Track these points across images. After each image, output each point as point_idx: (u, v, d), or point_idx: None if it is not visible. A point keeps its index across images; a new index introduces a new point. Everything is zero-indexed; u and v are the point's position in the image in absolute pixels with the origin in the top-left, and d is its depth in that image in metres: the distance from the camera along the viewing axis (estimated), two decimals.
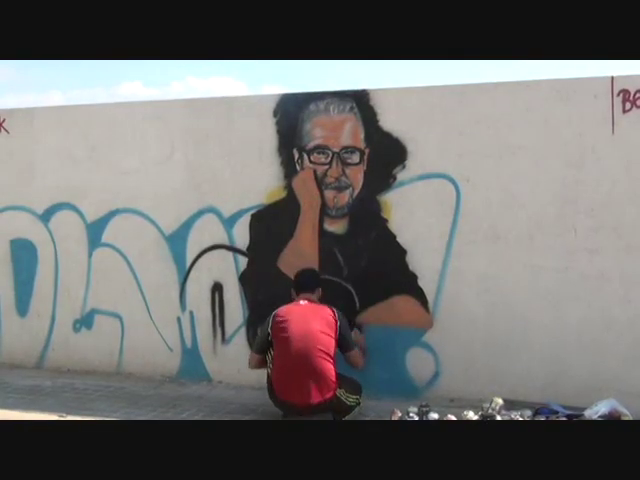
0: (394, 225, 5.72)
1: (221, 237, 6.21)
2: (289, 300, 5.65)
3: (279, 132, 5.98)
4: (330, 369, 5.02)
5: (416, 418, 4.86)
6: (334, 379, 5.03)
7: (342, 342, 5.16)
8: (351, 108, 5.78)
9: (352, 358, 5.26)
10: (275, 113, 5.99)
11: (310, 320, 5.12)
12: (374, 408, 5.33)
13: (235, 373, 6.17)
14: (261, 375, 6.09)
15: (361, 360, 5.35)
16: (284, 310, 5.23)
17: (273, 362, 5.18)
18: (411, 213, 5.69)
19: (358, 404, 5.17)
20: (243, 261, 6.16)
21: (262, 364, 5.35)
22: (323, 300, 5.44)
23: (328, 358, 5.03)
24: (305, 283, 5.45)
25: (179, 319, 6.37)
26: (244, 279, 6.17)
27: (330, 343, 5.08)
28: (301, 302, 5.30)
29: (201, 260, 6.28)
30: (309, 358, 5.00)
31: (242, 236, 6.15)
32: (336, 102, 5.81)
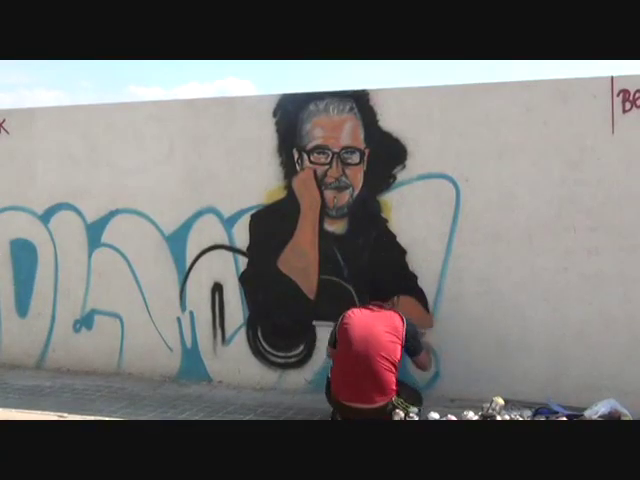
0: (394, 225, 5.73)
1: (221, 237, 6.21)
2: (289, 300, 5.68)
3: (279, 132, 5.98)
4: (391, 377, 4.90)
5: (416, 418, 4.86)
6: (394, 387, 4.91)
7: (410, 347, 5.08)
8: (351, 108, 5.78)
9: (419, 361, 5.25)
10: (275, 113, 5.99)
11: (374, 325, 5.02)
12: None
13: (235, 373, 6.18)
14: (261, 375, 6.12)
15: (428, 363, 5.35)
16: (352, 311, 5.20)
17: (334, 362, 5.15)
18: (411, 213, 5.69)
19: (418, 414, 4.97)
20: (243, 261, 6.16)
21: None
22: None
23: (390, 366, 4.91)
24: (376, 292, 5.54)
25: (179, 319, 6.37)
26: (244, 279, 6.17)
27: (394, 349, 4.95)
28: (371, 306, 5.25)
29: (201, 260, 6.28)
30: (370, 363, 4.88)
31: (242, 236, 6.15)
32: (336, 102, 5.81)
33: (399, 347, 4.98)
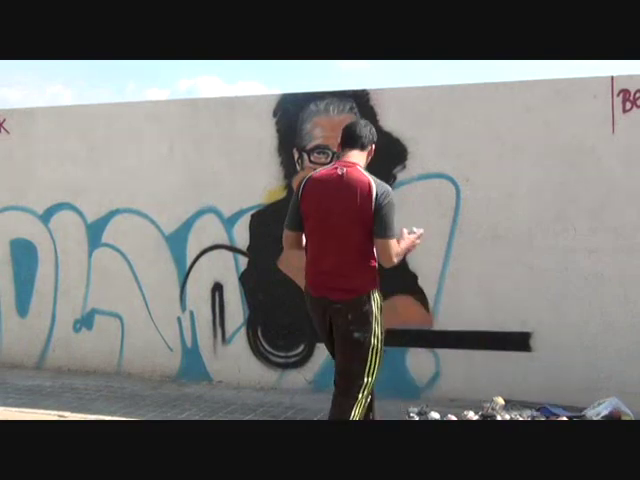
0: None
1: (221, 237, 6.21)
2: (289, 300, 5.63)
3: (279, 132, 5.99)
4: (364, 274, 3.93)
5: (416, 418, 4.86)
6: (367, 278, 3.93)
7: (376, 224, 3.88)
8: (351, 108, 5.78)
9: (383, 246, 3.88)
10: (275, 113, 5.99)
11: (340, 198, 3.90)
12: None
13: (235, 373, 6.18)
14: (261, 375, 6.11)
15: (392, 254, 3.89)
16: (316, 178, 4.02)
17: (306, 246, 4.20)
18: (411, 213, 5.68)
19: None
20: (243, 261, 6.17)
21: (297, 244, 4.31)
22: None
23: (360, 257, 3.93)
24: (351, 136, 4.06)
25: (179, 319, 6.37)
26: (244, 279, 6.17)
27: (360, 233, 3.90)
28: (338, 170, 3.95)
29: (201, 260, 6.28)
30: (340, 262, 3.93)
31: (242, 236, 6.15)
32: (336, 102, 5.81)
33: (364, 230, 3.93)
